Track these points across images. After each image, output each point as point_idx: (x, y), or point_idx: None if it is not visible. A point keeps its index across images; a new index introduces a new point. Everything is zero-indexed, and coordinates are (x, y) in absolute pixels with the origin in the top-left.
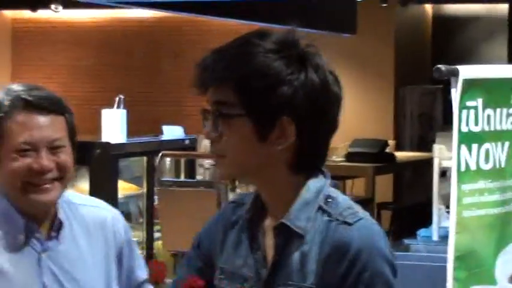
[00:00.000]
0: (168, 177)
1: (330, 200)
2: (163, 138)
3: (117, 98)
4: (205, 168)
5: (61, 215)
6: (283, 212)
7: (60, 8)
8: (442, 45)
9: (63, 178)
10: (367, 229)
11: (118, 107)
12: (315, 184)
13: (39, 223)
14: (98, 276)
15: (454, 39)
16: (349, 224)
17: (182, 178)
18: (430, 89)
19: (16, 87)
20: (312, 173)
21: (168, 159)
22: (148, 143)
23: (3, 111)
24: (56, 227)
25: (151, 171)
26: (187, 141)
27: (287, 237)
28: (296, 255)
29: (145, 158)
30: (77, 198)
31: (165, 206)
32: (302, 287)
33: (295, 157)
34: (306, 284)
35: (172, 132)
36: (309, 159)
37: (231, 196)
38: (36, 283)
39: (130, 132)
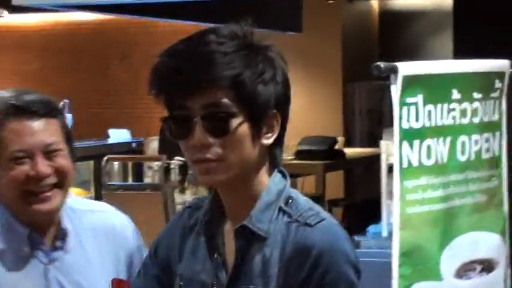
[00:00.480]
0: (115, 181)
1: (290, 201)
2: (110, 142)
3: (61, 103)
4: (154, 171)
5: (65, 224)
6: (244, 214)
7: (5, 12)
8: (389, 40)
9: (63, 183)
10: (329, 231)
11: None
12: (276, 185)
13: (43, 233)
14: (107, 285)
15: (401, 34)
16: (310, 226)
17: (130, 181)
18: (378, 85)
19: (4, 93)
20: (271, 173)
21: (116, 163)
22: (95, 147)
23: None
24: (60, 236)
25: (99, 175)
26: (134, 145)
27: (248, 240)
28: (257, 259)
29: (92, 162)
30: (81, 204)
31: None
32: None
33: (272, 153)
34: (269, 287)
35: (118, 135)
36: (279, 155)
37: (178, 198)
38: None
39: (77, 136)
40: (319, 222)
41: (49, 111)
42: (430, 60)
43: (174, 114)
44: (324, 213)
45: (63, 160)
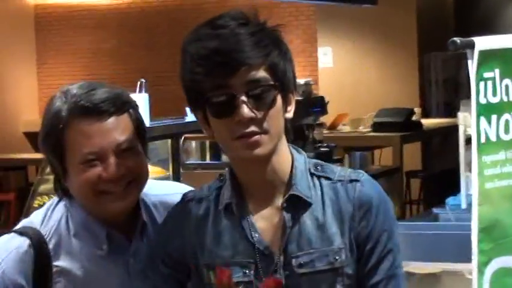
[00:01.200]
0: (193, 160)
1: (319, 167)
2: (187, 120)
3: (139, 82)
4: None
5: (142, 214)
6: (275, 189)
7: None
8: (464, 10)
9: (137, 181)
10: (373, 182)
11: (140, 91)
12: (299, 156)
13: (121, 228)
14: None
15: (477, 4)
16: (358, 181)
17: (207, 160)
18: (454, 55)
19: (73, 90)
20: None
21: (193, 142)
22: (172, 126)
23: (62, 122)
24: (139, 228)
25: (177, 153)
26: None
27: (296, 208)
28: (310, 225)
29: (169, 141)
30: (153, 189)
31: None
32: (328, 251)
33: (286, 128)
34: (333, 246)
35: None
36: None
37: None
38: None
39: (154, 114)
40: (361, 176)
41: (119, 107)
42: (506, 30)
43: (217, 93)
44: (352, 169)
45: (137, 157)
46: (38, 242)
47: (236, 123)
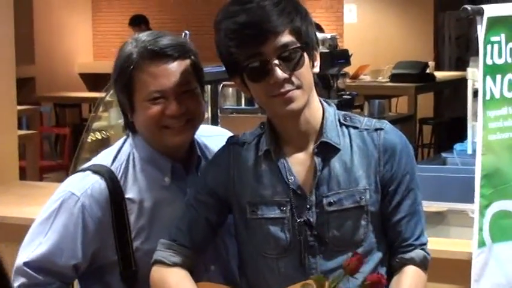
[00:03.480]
0: (229, 104)
1: (347, 117)
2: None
3: (183, 33)
4: None
5: (198, 152)
6: (309, 136)
7: None
8: None
9: (195, 119)
10: (396, 130)
11: None
12: (329, 108)
13: (180, 162)
14: None
15: None
16: (382, 129)
17: (242, 105)
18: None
19: (142, 37)
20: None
21: (230, 89)
22: (212, 73)
23: (133, 64)
24: (195, 163)
25: (215, 98)
26: None
27: (326, 153)
28: (339, 168)
29: (209, 86)
30: (203, 130)
31: (228, 130)
32: (354, 191)
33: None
34: (358, 187)
35: None
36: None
37: None
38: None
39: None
40: (385, 125)
41: (182, 53)
42: None
43: (251, 61)
44: (376, 119)
45: (195, 99)
46: (110, 179)
47: (272, 84)
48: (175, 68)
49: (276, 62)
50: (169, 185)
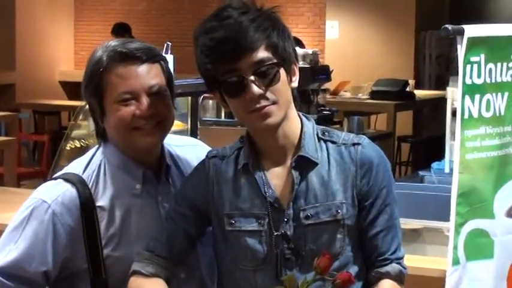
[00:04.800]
0: (209, 117)
1: (326, 132)
2: None
3: (165, 44)
4: None
5: (167, 159)
6: (286, 151)
7: None
8: None
9: (164, 122)
10: (374, 145)
11: (166, 52)
12: (308, 122)
13: (151, 169)
14: None
15: None
16: (359, 144)
17: (222, 118)
18: None
19: (112, 42)
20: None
21: (210, 101)
22: (193, 85)
23: (102, 66)
24: (164, 170)
25: (195, 110)
26: None
27: (304, 168)
28: (316, 182)
29: (190, 98)
30: (175, 140)
31: (206, 142)
32: (331, 205)
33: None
34: (335, 201)
35: None
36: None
37: None
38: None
39: (177, 71)
40: (362, 140)
41: (151, 56)
42: (496, 13)
43: (227, 77)
44: (355, 134)
45: (165, 101)
46: (81, 187)
47: (248, 100)
48: (145, 70)
49: (252, 78)
50: (140, 192)
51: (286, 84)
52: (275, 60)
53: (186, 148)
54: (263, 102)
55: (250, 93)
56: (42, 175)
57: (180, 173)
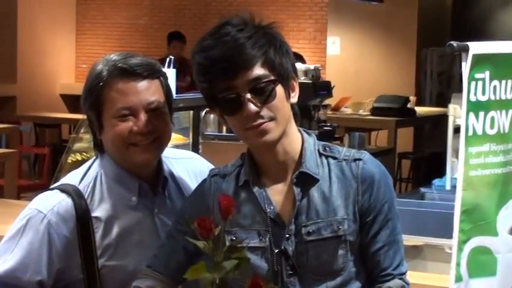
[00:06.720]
0: (211, 131)
1: (327, 148)
2: None
3: (167, 59)
4: None
5: (164, 172)
6: (287, 167)
7: None
8: (462, 10)
9: (161, 138)
10: (375, 160)
11: (168, 66)
12: (309, 138)
13: (148, 182)
14: None
15: (474, 6)
16: (361, 160)
17: (224, 132)
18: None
19: (113, 56)
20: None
21: (212, 115)
22: (195, 99)
23: (102, 81)
24: (161, 183)
25: (197, 124)
26: None
27: (305, 184)
28: (317, 197)
29: (191, 112)
30: (171, 153)
31: (208, 156)
32: (333, 221)
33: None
34: (337, 217)
35: None
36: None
37: None
38: (155, 238)
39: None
40: (364, 156)
41: (152, 73)
42: (497, 30)
43: (224, 95)
44: (356, 150)
45: (163, 118)
46: (77, 197)
47: (245, 117)
48: (144, 86)
49: (248, 95)
50: (136, 204)
51: (284, 101)
52: (272, 77)
53: (182, 161)
54: (260, 120)
55: (247, 110)
56: (42, 188)
57: (176, 186)
